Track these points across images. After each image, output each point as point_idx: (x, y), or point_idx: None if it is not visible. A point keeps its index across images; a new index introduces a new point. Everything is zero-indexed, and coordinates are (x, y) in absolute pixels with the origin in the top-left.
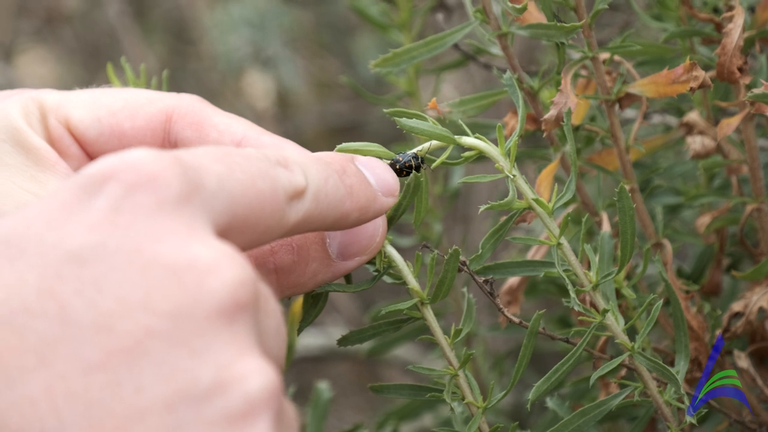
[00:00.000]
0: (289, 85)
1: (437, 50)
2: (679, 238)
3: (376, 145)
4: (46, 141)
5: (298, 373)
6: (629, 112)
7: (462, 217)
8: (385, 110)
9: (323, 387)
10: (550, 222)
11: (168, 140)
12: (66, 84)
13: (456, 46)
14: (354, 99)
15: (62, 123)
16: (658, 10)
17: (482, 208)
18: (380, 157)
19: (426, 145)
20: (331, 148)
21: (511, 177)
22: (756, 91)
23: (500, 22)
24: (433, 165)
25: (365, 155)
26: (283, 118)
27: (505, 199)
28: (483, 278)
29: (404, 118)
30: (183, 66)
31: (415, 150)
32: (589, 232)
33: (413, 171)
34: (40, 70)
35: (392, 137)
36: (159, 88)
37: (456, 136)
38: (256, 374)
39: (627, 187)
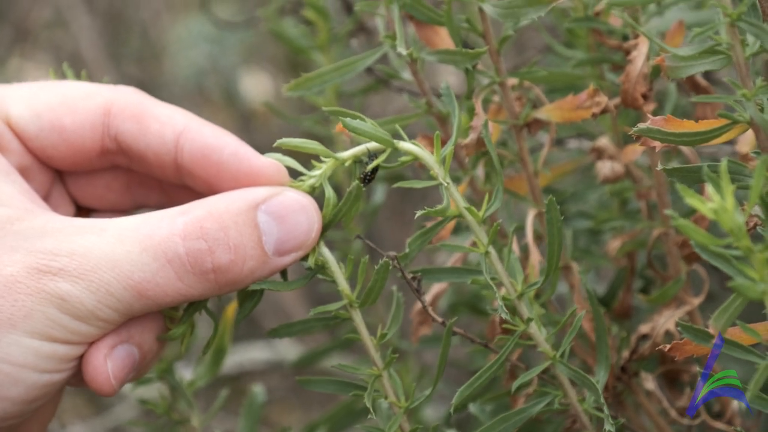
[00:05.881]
0: (247, 99)
1: (348, 74)
2: (594, 261)
3: (316, 143)
4: None
5: (245, 385)
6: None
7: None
8: (324, 108)
9: (258, 390)
10: (480, 231)
11: (108, 134)
12: None
13: (370, 71)
14: (316, 112)
15: (2, 119)
16: (568, 38)
17: (418, 213)
18: (319, 155)
19: (364, 146)
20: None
21: (445, 185)
22: (641, 125)
23: (411, 47)
24: (369, 167)
25: (306, 152)
26: (246, 131)
27: (440, 207)
28: (411, 275)
29: (348, 119)
30: (150, 80)
31: (354, 150)
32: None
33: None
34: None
35: None
36: None
37: (395, 141)
38: None
39: (534, 212)
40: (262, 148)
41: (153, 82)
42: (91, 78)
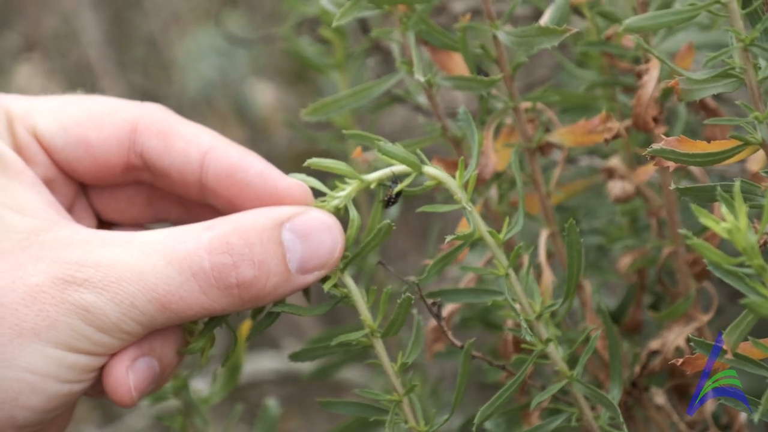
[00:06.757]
0: (257, 111)
1: (364, 99)
2: (604, 276)
3: (344, 164)
4: (13, 149)
5: (256, 396)
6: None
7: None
8: (345, 131)
9: (272, 404)
10: (500, 253)
11: (134, 150)
12: None
13: (386, 92)
14: (325, 126)
15: (29, 131)
16: (580, 57)
17: (448, 238)
18: (346, 176)
19: (389, 170)
20: (302, 170)
21: (468, 209)
22: (655, 146)
23: (426, 72)
24: (395, 190)
25: (333, 172)
26: (253, 142)
27: (467, 232)
28: (431, 300)
29: (382, 143)
30: (158, 91)
31: (380, 173)
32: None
33: (389, 195)
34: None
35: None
36: None
37: (421, 165)
38: None
39: (547, 232)
40: (269, 158)
41: (161, 93)
42: (99, 87)
